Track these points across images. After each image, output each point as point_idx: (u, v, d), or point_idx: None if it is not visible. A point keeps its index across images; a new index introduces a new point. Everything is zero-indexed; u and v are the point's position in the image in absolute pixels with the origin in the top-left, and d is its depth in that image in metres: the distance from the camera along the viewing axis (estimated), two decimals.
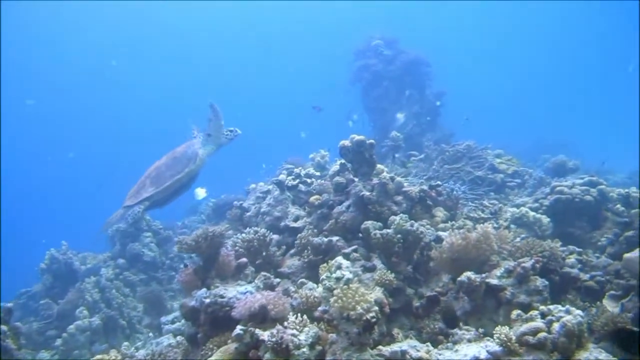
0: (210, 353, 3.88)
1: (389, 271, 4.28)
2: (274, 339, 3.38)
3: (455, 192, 5.98)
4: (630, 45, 31.15)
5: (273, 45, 39.91)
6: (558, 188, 6.14)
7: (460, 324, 3.77)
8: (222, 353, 3.70)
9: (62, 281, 8.85)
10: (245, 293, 4.26)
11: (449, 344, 3.60)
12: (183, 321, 5.19)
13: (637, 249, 3.86)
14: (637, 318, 3.55)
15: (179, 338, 5.26)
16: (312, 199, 5.76)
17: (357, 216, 5.07)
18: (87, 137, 37.05)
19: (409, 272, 4.54)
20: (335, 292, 3.55)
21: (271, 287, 4.53)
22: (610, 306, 3.85)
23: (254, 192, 7.11)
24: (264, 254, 5.11)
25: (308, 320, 3.64)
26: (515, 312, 3.47)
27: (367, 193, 5.12)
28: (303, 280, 4.53)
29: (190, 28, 38.98)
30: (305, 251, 4.98)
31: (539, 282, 3.81)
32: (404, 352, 3.45)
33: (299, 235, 5.26)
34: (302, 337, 3.47)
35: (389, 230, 4.59)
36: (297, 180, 6.55)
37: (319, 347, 3.47)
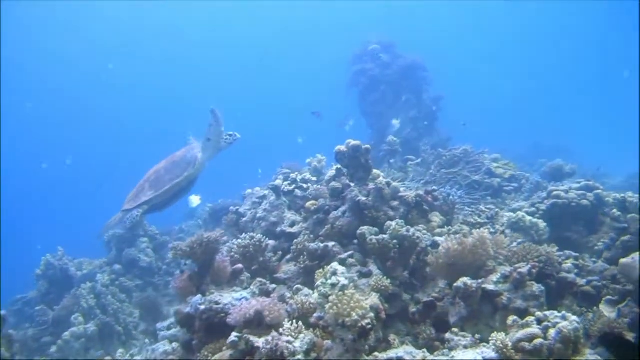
0: None
1: (385, 277, 4.27)
2: (269, 346, 3.37)
3: (451, 197, 5.96)
4: (630, 45, 31.21)
5: (272, 46, 39.87)
6: (555, 192, 6.13)
7: (455, 329, 3.74)
8: None
9: (57, 287, 8.82)
10: (240, 299, 4.23)
11: (445, 350, 3.57)
12: (179, 327, 5.16)
13: (633, 254, 3.85)
14: (633, 323, 3.54)
15: (174, 345, 5.23)
16: (308, 204, 5.75)
17: (353, 221, 5.05)
18: (86, 137, 37.04)
19: (405, 277, 4.53)
20: (330, 298, 3.53)
21: (267, 293, 4.50)
22: (607, 311, 3.83)
23: (250, 197, 7.09)
24: (260, 259, 5.09)
25: (303, 327, 3.62)
26: (511, 318, 3.46)
27: (363, 198, 5.11)
28: (299, 286, 4.52)
29: (189, 29, 38.94)
30: (302, 257, 4.96)
31: (536, 287, 3.79)
32: (399, 359, 3.42)
33: (295, 240, 5.24)
34: (298, 344, 3.45)
35: (385, 236, 4.57)
36: (294, 186, 6.52)
37: (314, 354, 3.45)
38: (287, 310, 3.93)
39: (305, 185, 6.58)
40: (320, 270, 4.23)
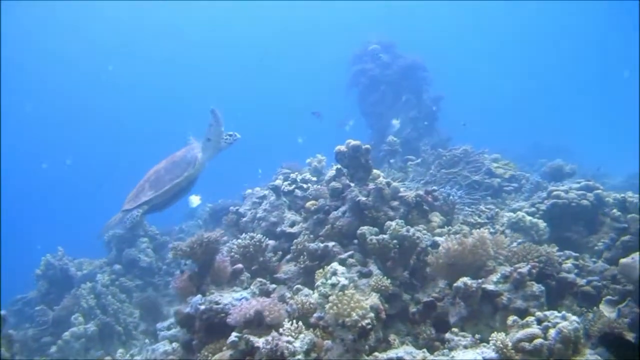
0: None
1: (385, 277, 4.27)
2: (268, 346, 3.37)
3: (451, 197, 5.96)
4: (630, 45, 31.18)
5: (272, 46, 39.85)
6: (555, 192, 6.13)
7: (455, 329, 3.74)
8: None
9: (57, 287, 8.82)
10: (240, 299, 4.23)
11: (445, 350, 3.57)
12: (179, 327, 5.16)
13: (633, 254, 3.85)
14: (633, 323, 3.54)
15: (174, 345, 5.23)
16: (308, 204, 5.75)
17: (353, 221, 5.05)
18: (86, 137, 37.04)
19: (405, 277, 4.53)
20: (330, 298, 3.53)
21: (267, 293, 4.50)
22: (607, 311, 3.83)
23: (250, 197, 7.09)
24: (260, 259, 5.09)
25: (303, 327, 3.62)
26: (511, 318, 3.46)
27: (363, 198, 5.11)
28: (299, 286, 4.52)
29: (189, 29, 38.90)
30: (302, 257, 4.96)
31: (536, 287, 3.79)
32: (399, 359, 3.42)
33: (295, 240, 5.24)
34: (297, 344, 3.45)
35: (385, 236, 4.57)
36: (294, 186, 6.52)
37: (314, 354, 3.45)
38: (287, 310, 3.93)
39: (305, 185, 6.58)
40: (320, 270, 4.23)
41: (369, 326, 3.40)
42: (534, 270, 3.90)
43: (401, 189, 5.48)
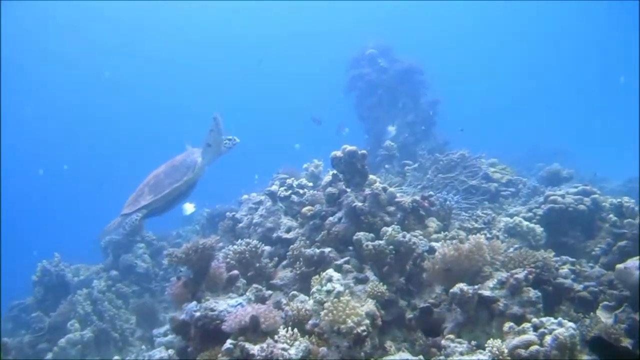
0: None
1: (381, 283, 4.25)
2: (264, 353, 3.35)
3: (448, 202, 5.95)
4: (630, 46, 31.20)
5: (271, 47, 39.76)
6: (552, 197, 6.13)
7: (452, 336, 3.72)
8: None
9: (54, 293, 8.76)
10: (236, 306, 4.21)
11: (441, 357, 3.57)
12: (174, 334, 5.13)
13: (629, 260, 3.84)
14: (630, 329, 3.53)
15: (170, 351, 5.19)
16: (304, 209, 5.73)
17: (349, 227, 5.04)
18: (86, 138, 36.93)
19: (401, 283, 4.51)
20: (325, 305, 3.52)
21: (263, 300, 4.49)
22: (604, 317, 3.82)
23: (247, 202, 7.07)
24: (256, 265, 5.07)
25: (299, 334, 3.60)
26: (507, 325, 3.45)
27: (359, 204, 5.09)
28: (295, 292, 4.49)
29: (189, 29, 38.86)
30: (298, 263, 4.94)
31: (532, 293, 3.78)
32: None
33: (291, 246, 5.24)
34: (293, 351, 3.43)
35: (381, 242, 4.56)
36: (290, 191, 6.51)
37: None
38: (282, 317, 3.91)
39: (301, 191, 6.56)
40: (316, 277, 4.21)
41: (365, 333, 3.38)
42: (530, 276, 3.89)
43: (397, 195, 5.47)
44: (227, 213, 7.04)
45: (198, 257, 4.51)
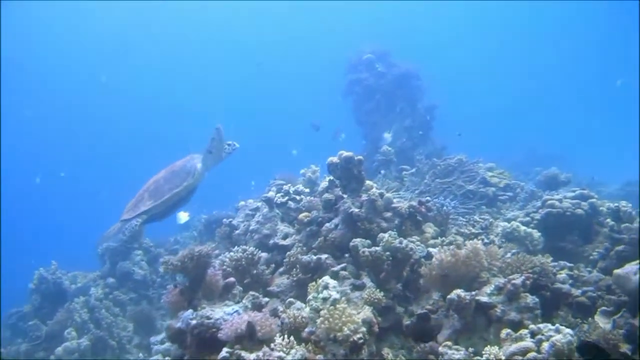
0: None
1: (378, 289, 4.23)
2: None
3: (445, 207, 5.94)
4: (630, 46, 31.21)
5: (270, 47, 39.72)
6: (549, 202, 6.11)
7: (449, 342, 3.70)
8: None
9: (51, 301, 8.74)
10: (232, 314, 4.18)
11: None
12: (170, 343, 5.11)
13: (627, 265, 3.82)
14: (629, 335, 3.51)
15: (167, 359, 5.18)
16: (301, 216, 5.71)
17: (346, 233, 5.02)
18: (85, 139, 36.87)
19: (398, 290, 4.49)
20: (321, 313, 3.50)
21: (259, 307, 4.46)
22: (602, 322, 3.80)
23: (244, 209, 7.04)
24: (253, 272, 5.04)
25: (295, 342, 3.57)
26: (504, 332, 3.42)
27: (356, 210, 5.07)
28: (291, 299, 4.46)
29: (190, 30, 38.89)
30: (294, 269, 4.92)
31: (530, 299, 3.76)
32: None
33: (288, 253, 5.21)
34: (289, 359, 3.40)
35: (377, 248, 4.54)
36: (286, 197, 6.49)
37: None
38: (279, 325, 3.88)
39: (298, 197, 6.54)
40: (313, 283, 4.19)
41: (361, 341, 3.36)
42: (528, 282, 3.87)
43: (394, 200, 5.45)
44: (224, 219, 7.01)
45: (194, 264, 4.47)
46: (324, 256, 4.81)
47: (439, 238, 5.33)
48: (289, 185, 6.99)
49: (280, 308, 4.40)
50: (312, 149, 11.46)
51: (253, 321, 3.68)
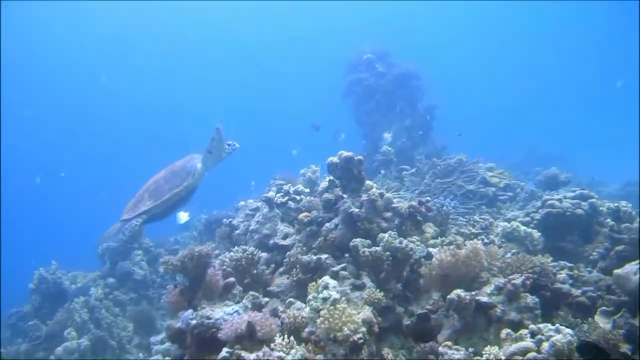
0: None
1: (378, 289, 4.23)
2: None
3: (445, 207, 5.93)
4: (630, 46, 31.18)
5: (270, 48, 39.68)
6: (549, 202, 6.11)
7: (449, 342, 3.70)
8: None
9: (51, 301, 8.74)
10: (232, 314, 4.18)
11: None
12: (170, 343, 5.10)
13: (627, 264, 3.82)
14: (628, 335, 3.51)
15: (167, 359, 5.18)
16: (301, 216, 5.71)
17: (346, 233, 5.02)
18: (85, 139, 36.84)
19: (398, 289, 4.49)
20: (321, 313, 3.50)
21: (259, 307, 4.46)
22: (602, 322, 3.80)
23: (244, 209, 7.04)
24: (253, 272, 5.04)
25: (295, 342, 3.57)
26: (504, 332, 3.42)
27: (356, 210, 5.07)
28: (291, 299, 4.46)
29: (189, 30, 38.86)
30: (294, 269, 4.92)
31: (530, 299, 3.76)
32: None
33: (288, 253, 5.21)
34: (289, 359, 3.40)
35: (377, 248, 4.54)
36: (286, 197, 6.49)
37: None
38: (279, 325, 3.88)
39: (298, 197, 6.54)
40: (313, 283, 4.19)
41: (361, 341, 3.36)
42: (528, 282, 3.87)
43: (394, 200, 5.45)
44: (224, 219, 7.01)
45: (194, 264, 4.47)
46: (324, 256, 4.81)
47: (439, 238, 5.33)
48: (289, 185, 6.99)
49: (280, 308, 4.40)
50: (312, 149, 11.45)
51: (253, 321, 3.68)
